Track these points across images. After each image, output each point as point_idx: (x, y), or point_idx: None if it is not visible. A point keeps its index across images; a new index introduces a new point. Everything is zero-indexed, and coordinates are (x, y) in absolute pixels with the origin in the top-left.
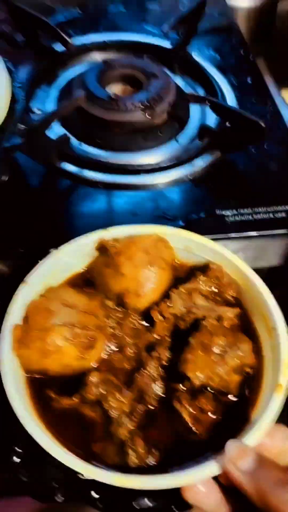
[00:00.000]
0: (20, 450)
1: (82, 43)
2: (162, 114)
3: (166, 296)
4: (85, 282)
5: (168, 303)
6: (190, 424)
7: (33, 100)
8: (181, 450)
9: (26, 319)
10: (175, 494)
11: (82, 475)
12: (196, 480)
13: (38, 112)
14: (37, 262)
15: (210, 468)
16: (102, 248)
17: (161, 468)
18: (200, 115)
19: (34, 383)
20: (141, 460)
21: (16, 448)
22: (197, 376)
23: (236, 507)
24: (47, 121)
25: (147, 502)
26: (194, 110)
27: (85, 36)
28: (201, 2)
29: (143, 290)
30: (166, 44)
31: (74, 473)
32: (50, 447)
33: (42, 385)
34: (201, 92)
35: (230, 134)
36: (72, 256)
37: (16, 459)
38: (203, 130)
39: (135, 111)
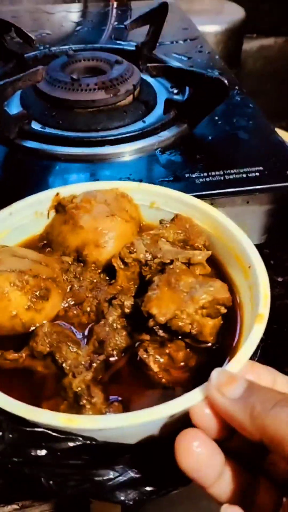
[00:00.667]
0: None
1: (50, 50)
2: (126, 95)
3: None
4: (43, 246)
5: (130, 248)
6: (157, 375)
7: None
8: (148, 404)
9: None
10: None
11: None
12: (163, 415)
13: None
14: None
15: (185, 400)
16: (60, 207)
17: None
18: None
19: None
20: (99, 413)
21: None
22: (162, 312)
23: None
24: (4, 88)
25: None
26: (161, 91)
27: (52, 48)
28: (162, 4)
29: (103, 239)
30: (131, 46)
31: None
32: None
33: None
34: (167, 85)
35: (195, 100)
36: (26, 215)
37: None
38: (168, 103)
39: (97, 90)
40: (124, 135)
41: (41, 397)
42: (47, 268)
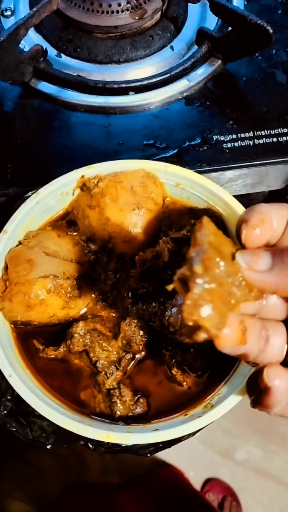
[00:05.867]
0: (8, 404)
1: None
2: (154, 14)
3: (155, 239)
4: (68, 222)
5: (154, 253)
6: (178, 378)
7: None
8: (169, 401)
9: (6, 270)
10: None
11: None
12: (183, 434)
13: (8, 13)
14: (15, 205)
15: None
16: (84, 187)
17: (146, 416)
18: (199, 18)
19: (21, 334)
20: (128, 410)
21: (4, 400)
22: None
23: None
24: (16, 33)
25: None
26: (193, 11)
27: None
28: None
29: (129, 235)
30: None
31: None
32: (31, 398)
33: (29, 336)
34: None
35: (232, 39)
36: (52, 198)
37: (2, 411)
38: (202, 34)
39: (121, 13)
40: (150, 80)
41: (78, 386)
42: (78, 266)
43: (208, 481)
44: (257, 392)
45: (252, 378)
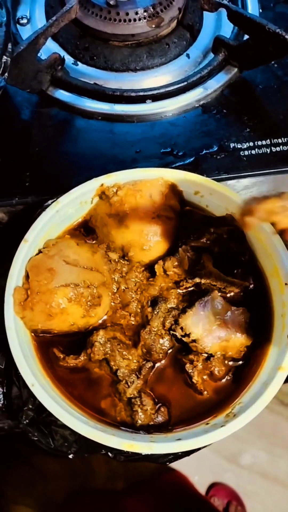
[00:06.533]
0: (30, 413)
1: None
2: (170, 22)
3: (173, 247)
4: (86, 230)
5: (174, 264)
6: (199, 386)
7: (18, 6)
8: (190, 410)
9: (27, 278)
10: None
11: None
12: (206, 443)
13: (24, 21)
14: (35, 214)
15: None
16: (104, 195)
17: (167, 425)
18: (215, 26)
19: (42, 343)
20: (149, 419)
21: (26, 409)
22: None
23: None
24: (35, 42)
25: None
26: (208, 19)
27: None
28: None
29: (148, 244)
30: None
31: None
32: (54, 408)
33: (49, 345)
34: None
35: (249, 48)
36: (72, 206)
37: (24, 420)
38: (218, 42)
39: (138, 21)
40: (167, 89)
41: (99, 395)
42: (97, 274)
43: (213, 486)
44: None
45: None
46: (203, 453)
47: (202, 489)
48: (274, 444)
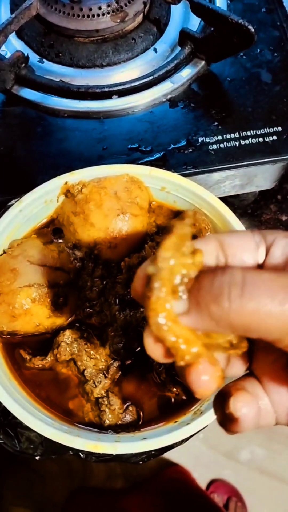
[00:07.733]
0: None
1: None
2: (136, 17)
3: (141, 244)
4: (54, 229)
5: (139, 258)
6: (166, 385)
7: None
8: (159, 408)
9: None
10: None
11: None
12: (171, 442)
13: None
14: None
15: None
16: (69, 193)
17: (136, 424)
18: (182, 19)
19: (8, 344)
20: (117, 418)
21: None
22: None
23: None
24: None
25: None
26: (176, 12)
27: None
28: None
29: (114, 241)
30: None
31: None
32: (16, 410)
33: (15, 346)
34: None
35: (214, 40)
36: (36, 205)
37: None
38: (184, 35)
39: (102, 16)
40: (133, 84)
41: (66, 396)
42: (63, 274)
43: (212, 482)
44: (224, 416)
45: (218, 399)
46: (201, 451)
47: (201, 486)
48: (272, 439)
